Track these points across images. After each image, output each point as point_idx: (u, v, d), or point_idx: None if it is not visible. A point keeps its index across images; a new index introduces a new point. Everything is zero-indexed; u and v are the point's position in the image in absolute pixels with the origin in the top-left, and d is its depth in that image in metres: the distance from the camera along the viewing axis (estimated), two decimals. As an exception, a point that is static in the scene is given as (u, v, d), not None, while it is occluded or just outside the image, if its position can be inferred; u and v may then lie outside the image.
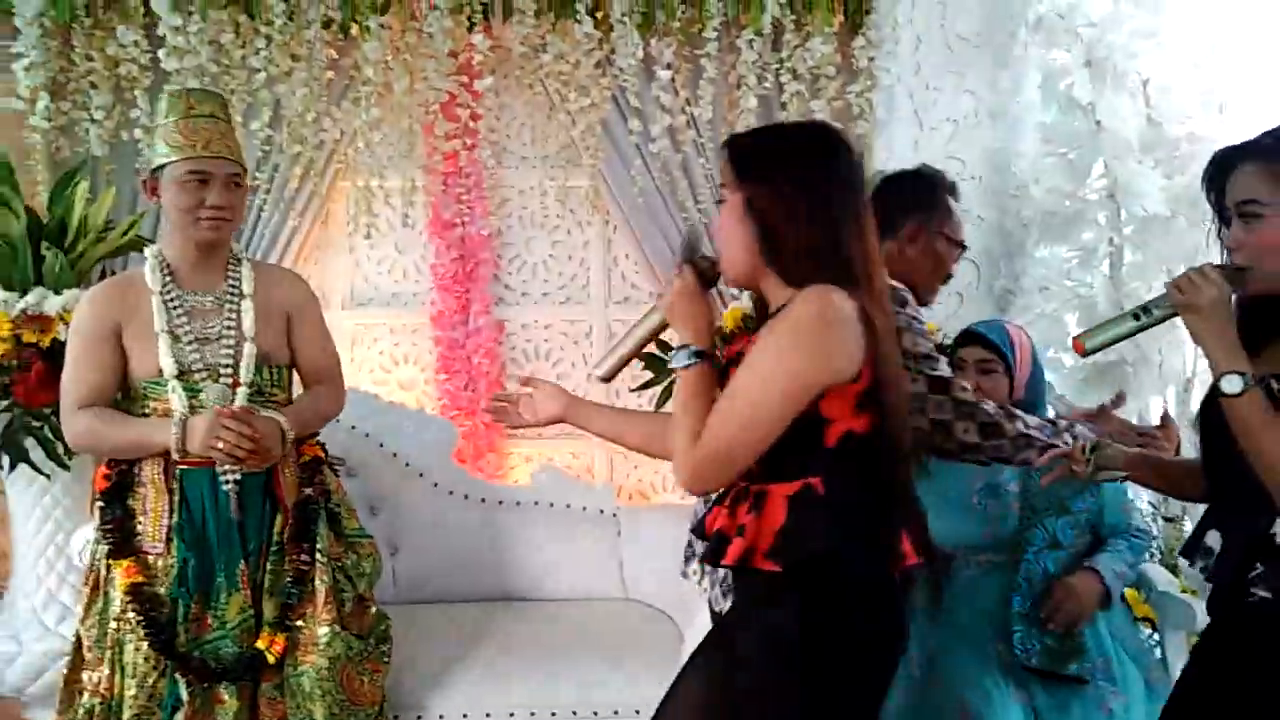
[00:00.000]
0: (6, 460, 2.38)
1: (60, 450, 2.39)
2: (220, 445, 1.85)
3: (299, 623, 1.99)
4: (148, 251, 2.02)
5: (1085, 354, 1.54)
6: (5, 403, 2.36)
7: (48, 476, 2.43)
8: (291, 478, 2.04)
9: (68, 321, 2.40)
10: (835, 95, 2.92)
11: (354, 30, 2.90)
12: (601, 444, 3.27)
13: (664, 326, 1.51)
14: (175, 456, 1.91)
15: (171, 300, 1.98)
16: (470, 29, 2.89)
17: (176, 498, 1.93)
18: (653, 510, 3.09)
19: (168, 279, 1.99)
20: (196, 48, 2.77)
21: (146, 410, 1.95)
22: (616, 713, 2.33)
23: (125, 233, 2.61)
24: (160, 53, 2.76)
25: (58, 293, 2.45)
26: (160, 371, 1.93)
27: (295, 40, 2.84)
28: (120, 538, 1.94)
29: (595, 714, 2.34)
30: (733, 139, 1.49)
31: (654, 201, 3.02)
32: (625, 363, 1.60)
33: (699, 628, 2.38)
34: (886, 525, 1.38)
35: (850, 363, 1.33)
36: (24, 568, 2.53)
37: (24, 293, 2.44)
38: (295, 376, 2.14)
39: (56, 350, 2.38)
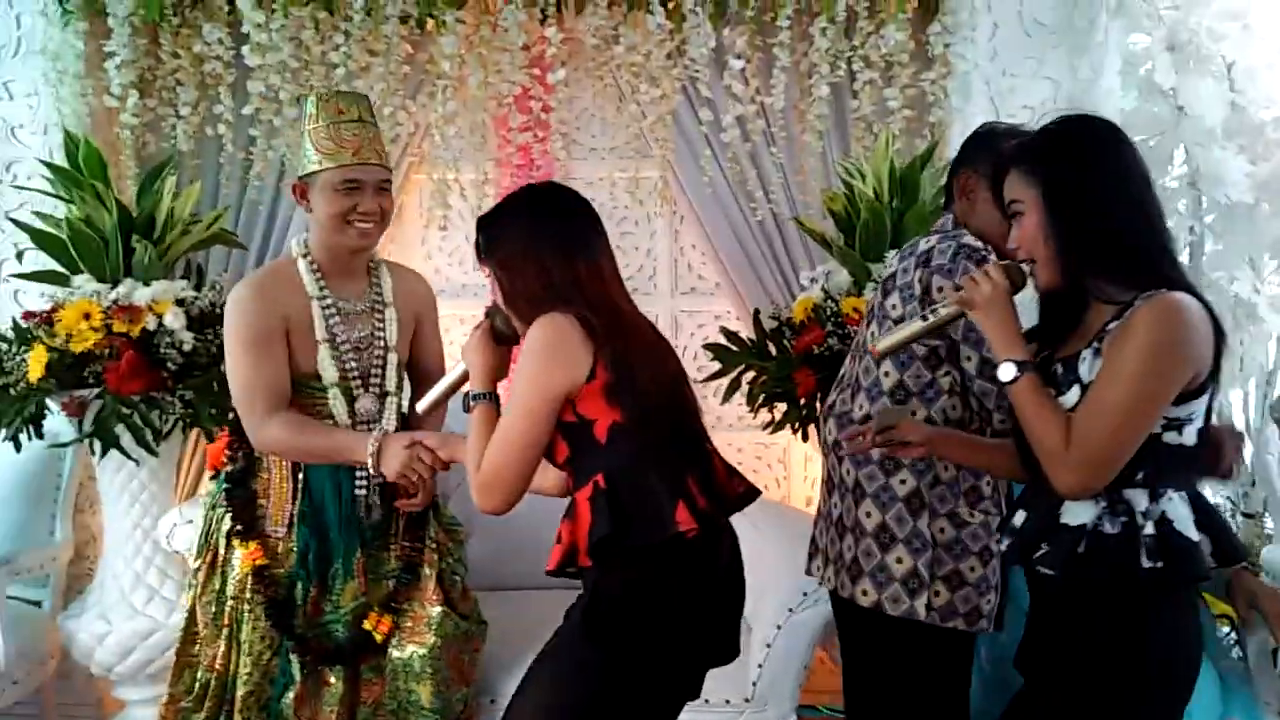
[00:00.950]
0: (98, 446, 2.47)
1: (149, 436, 2.47)
2: (413, 476, 1.92)
3: (405, 606, 2.03)
4: (297, 254, 2.03)
5: (880, 357, 1.76)
6: (97, 390, 2.45)
7: (137, 462, 2.52)
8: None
9: (157, 312, 2.50)
10: (909, 83, 2.87)
11: (430, 25, 2.94)
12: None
13: (465, 375, 1.75)
14: (370, 471, 1.95)
15: (327, 306, 2.00)
16: (543, 22, 2.91)
17: (300, 484, 1.99)
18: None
19: (321, 283, 2.01)
20: (279, 44, 2.83)
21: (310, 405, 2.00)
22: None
23: (210, 226, 2.69)
24: (244, 49, 2.82)
25: (146, 284, 2.53)
26: (317, 375, 1.98)
27: (373, 36, 2.89)
28: (247, 520, 2.00)
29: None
30: None
31: (723, 192, 3.01)
32: (438, 404, 1.86)
33: (765, 622, 2.39)
34: (655, 501, 1.52)
35: (577, 369, 1.53)
36: (113, 550, 2.63)
37: (115, 284, 2.53)
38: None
39: (145, 339, 2.48)
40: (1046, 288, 1.48)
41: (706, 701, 2.34)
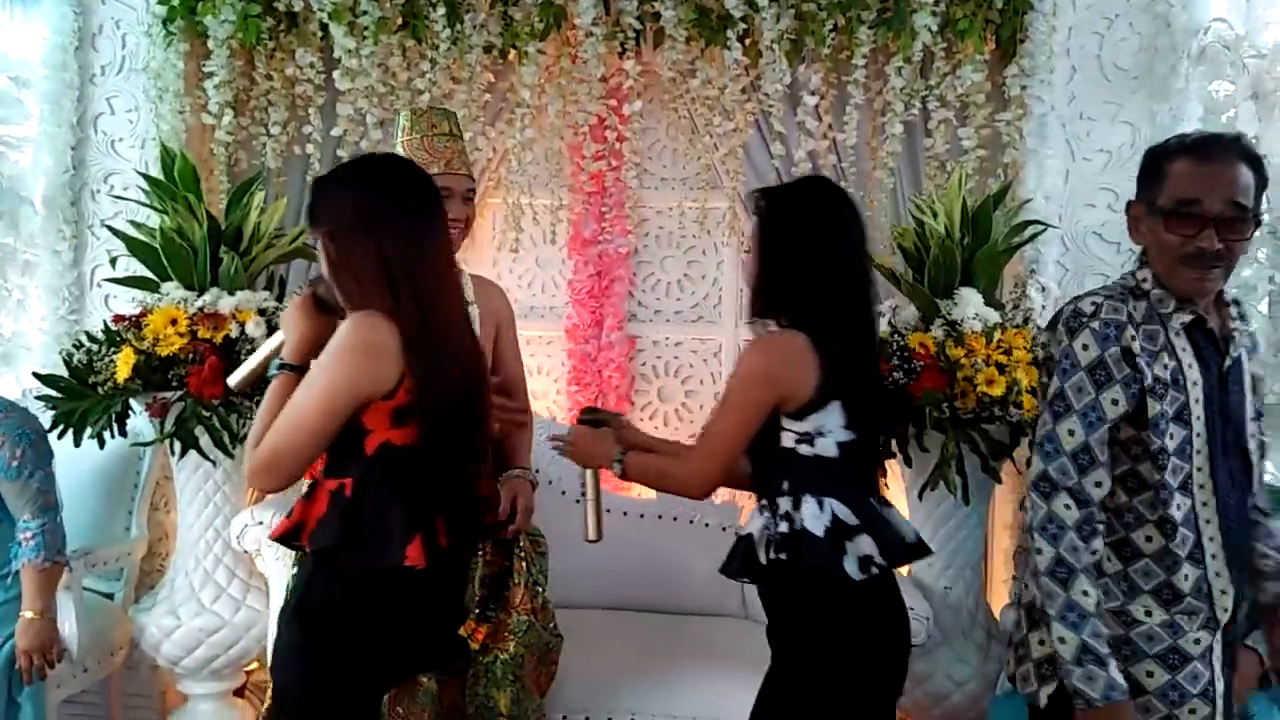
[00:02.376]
0: (178, 446, 2.57)
1: (226, 439, 2.56)
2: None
3: (493, 613, 2.06)
4: None
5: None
6: (179, 393, 2.55)
7: (213, 463, 2.61)
8: (494, 485, 2.10)
9: (240, 321, 2.59)
10: (984, 123, 2.88)
11: (512, 55, 3.03)
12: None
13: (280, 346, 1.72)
14: None
15: None
16: (622, 55, 2.97)
17: None
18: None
19: None
20: (367, 69, 2.94)
21: None
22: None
23: (293, 241, 2.79)
24: (335, 74, 2.94)
25: (231, 293, 2.63)
26: None
27: (457, 64, 2.98)
28: None
29: (716, 728, 2.34)
30: None
31: (792, 226, 3.03)
32: (255, 377, 1.81)
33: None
34: (391, 528, 1.53)
35: (384, 383, 1.51)
36: (185, 548, 2.71)
37: (201, 292, 2.64)
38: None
39: (227, 346, 2.57)
40: (752, 316, 1.76)
41: None
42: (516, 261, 3.30)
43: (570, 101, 3.03)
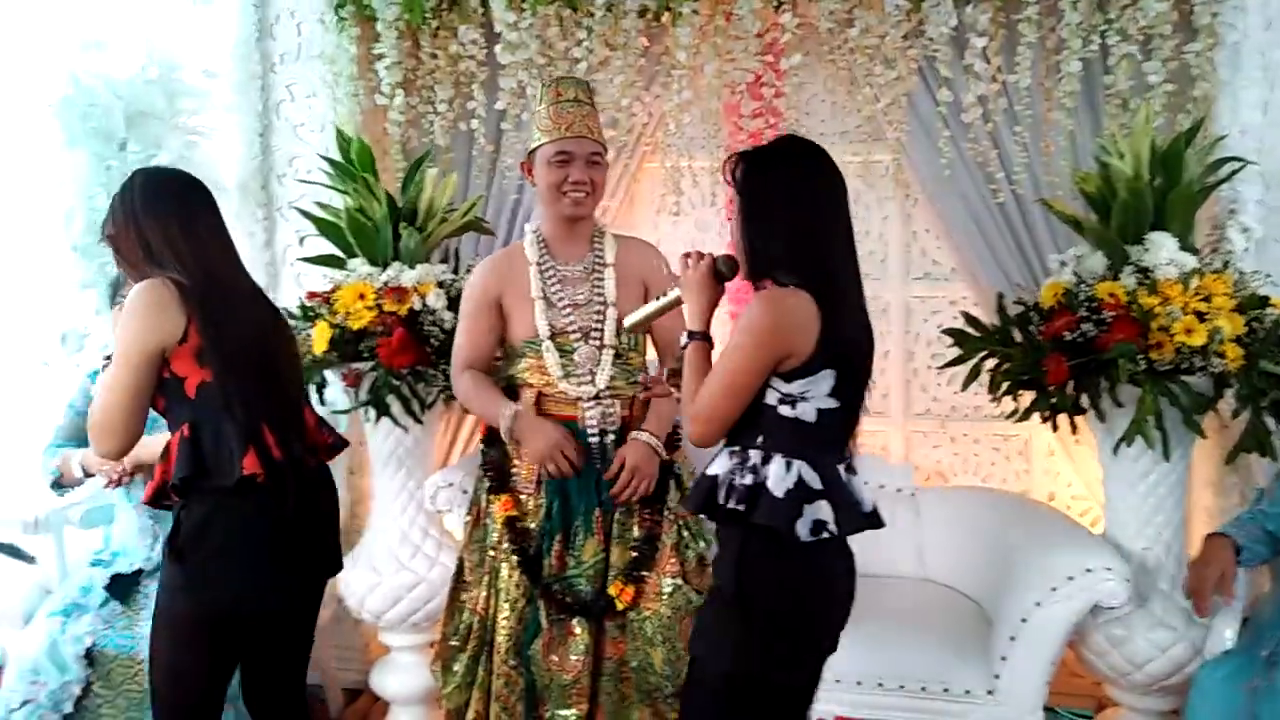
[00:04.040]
0: (372, 414, 2.72)
1: (415, 406, 2.70)
2: (551, 468, 2.08)
3: (645, 573, 2.14)
4: (528, 228, 2.29)
5: (628, 331, 1.99)
6: (371, 364, 2.69)
7: (404, 429, 2.75)
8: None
9: (421, 293, 2.71)
10: (1171, 55, 2.70)
11: (665, 18, 3.02)
12: (901, 423, 3.25)
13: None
14: (504, 438, 2.16)
15: (546, 270, 2.21)
16: (777, 9, 2.93)
17: None
18: (954, 491, 3.02)
19: (543, 251, 2.22)
20: (527, 42, 2.99)
21: (523, 366, 2.19)
22: (924, 688, 2.33)
23: (466, 213, 2.89)
24: (496, 49, 3.00)
25: (412, 267, 2.75)
26: (537, 333, 2.16)
27: (613, 30, 3.00)
28: (498, 477, 2.18)
29: (902, 687, 2.35)
30: None
31: (960, 174, 2.93)
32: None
33: (1008, 614, 2.33)
34: (225, 449, 1.79)
35: (172, 331, 1.79)
36: (381, 508, 2.88)
37: (384, 267, 2.77)
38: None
39: (411, 318, 2.69)
40: (745, 279, 1.73)
41: (946, 690, 2.34)
42: (676, 225, 3.31)
43: (726, 60, 3.00)
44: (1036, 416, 2.50)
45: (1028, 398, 2.52)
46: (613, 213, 3.26)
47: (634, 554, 2.14)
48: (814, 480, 1.60)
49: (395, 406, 2.68)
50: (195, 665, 1.86)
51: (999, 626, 2.34)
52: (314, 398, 2.70)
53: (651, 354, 2.36)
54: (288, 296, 3.08)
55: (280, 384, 1.94)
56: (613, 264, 2.23)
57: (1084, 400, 2.39)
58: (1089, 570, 2.26)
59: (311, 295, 2.79)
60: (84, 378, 2.67)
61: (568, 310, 2.19)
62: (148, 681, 1.93)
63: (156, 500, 1.86)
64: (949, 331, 2.63)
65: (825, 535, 1.59)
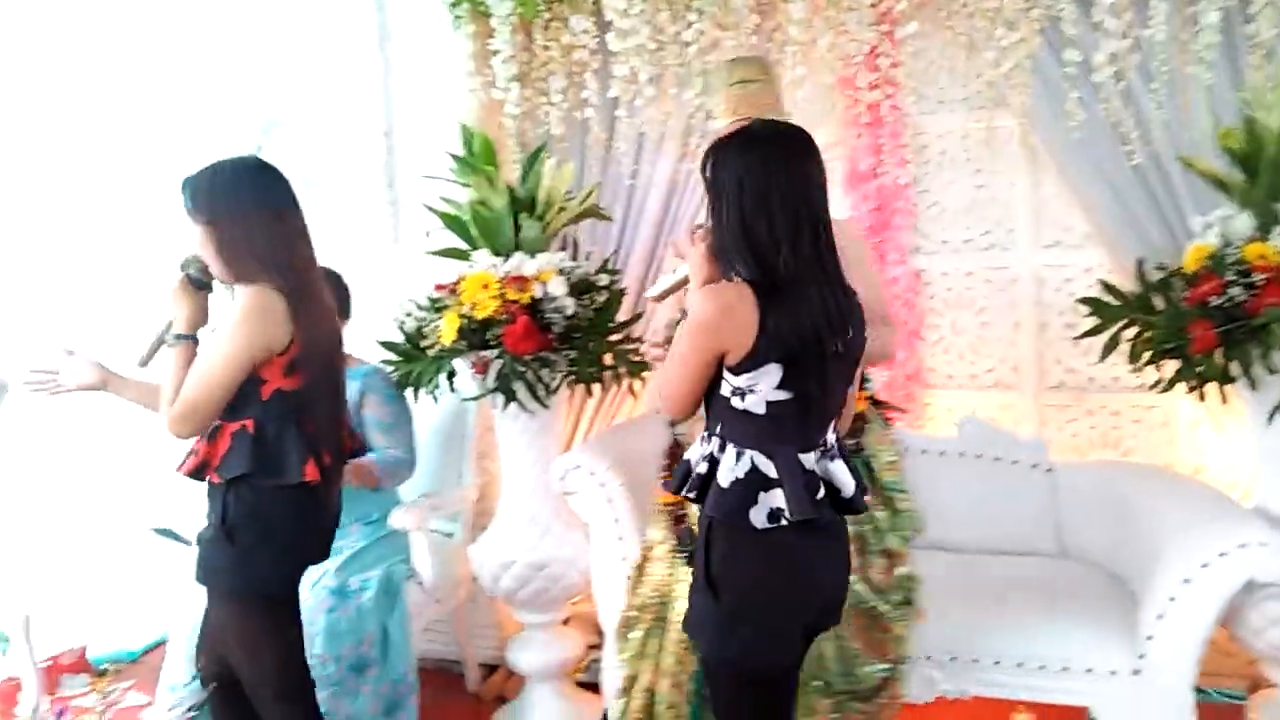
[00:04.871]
0: (500, 400, 2.80)
1: (541, 391, 2.76)
2: None
3: None
4: None
5: (651, 300, 1.94)
6: (497, 351, 2.77)
7: (530, 414, 2.83)
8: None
9: (542, 281, 2.76)
10: (1322, -2, 2.52)
11: (777, -6, 3.00)
12: (1033, 397, 3.15)
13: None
14: None
15: None
16: (892, -24, 2.87)
17: None
18: (1092, 466, 2.92)
19: None
20: (638, 27, 3.01)
21: None
22: (1065, 668, 2.27)
23: (583, 201, 2.94)
24: (608, 36, 3.04)
25: (533, 256, 2.81)
26: None
27: (723, 10, 2.99)
28: (668, 464, 2.23)
29: (1042, 667, 2.29)
30: None
31: (1091, 137, 2.81)
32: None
33: (1155, 592, 2.24)
34: (290, 454, 1.94)
35: (278, 342, 1.91)
36: (511, 491, 2.96)
37: (507, 257, 2.84)
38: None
39: (534, 306, 2.76)
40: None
41: (1088, 670, 2.27)
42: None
43: (840, 33, 2.95)
44: (1181, 387, 2.39)
45: (1171, 367, 2.41)
46: (727, 193, 3.25)
47: None
48: (769, 469, 1.61)
49: (521, 392, 2.76)
50: (274, 633, 2.01)
51: (1146, 604, 2.25)
52: (445, 386, 2.81)
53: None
54: (415, 289, 3.19)
55: (340, 395, 2.09)
56: None
57: (1233, 368, 2.27)
58: (1243, 545, 2.15)
59: (439, 287, 2.88)
60: None
61: None
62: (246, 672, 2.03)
63: (197, 475, 1.96)
64: (1086, 300, 2.54)
65: (783, 522, 1.59)
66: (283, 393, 1.95)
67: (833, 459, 1.67)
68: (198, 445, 1.97)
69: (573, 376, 2.79)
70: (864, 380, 2.19)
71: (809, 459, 1.62)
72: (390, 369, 2.88)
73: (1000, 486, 2.77)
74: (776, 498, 1.59)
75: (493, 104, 3.25)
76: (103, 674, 3.21)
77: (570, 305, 2.75)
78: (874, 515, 2.09)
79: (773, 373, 1.59)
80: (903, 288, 3.15)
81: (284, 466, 1.94)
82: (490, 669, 3.29)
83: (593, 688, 2.97)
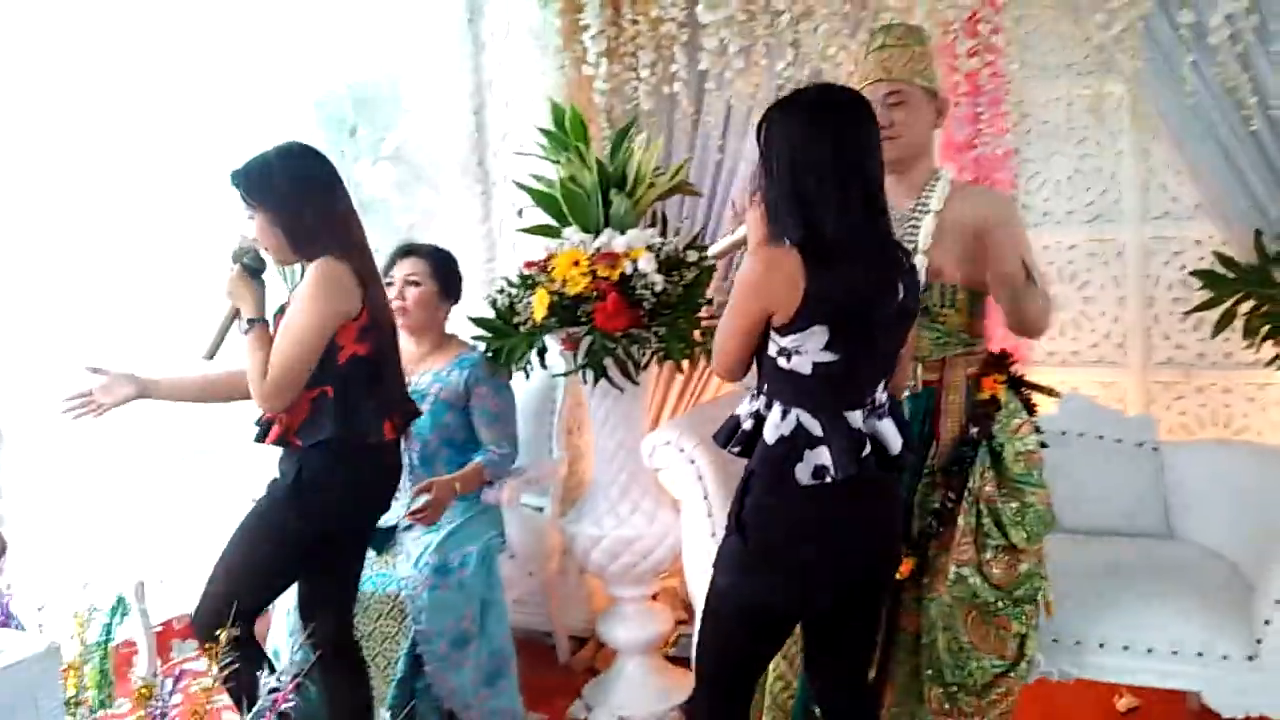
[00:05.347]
0: (590, 376, 2.81)
1: (630, 367, 2.77)
2: None
3: (935, 552, 2.02)
4: None
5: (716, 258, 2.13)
6: (586, 328, 2.78)
7: (620, 390, 2.83)
8: (955, 411, 2.04)
9: (632, 258, 2.75)
10: None
11: (872, -41, 2.92)
12: (1139, 373, 3.04)
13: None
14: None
15: None
16: (993, -62, 2.77)
17: None
18: (1204, 445, 2.80)
19: None
20: (728, -1, 2.97)
21: None
22: (1175, 652, 2.20)
23: (673, 177, 2.92)
24: (697, 8, 3.00)
25: (622, 233, 2.81)
26: None
27: (816, -23, 2.93)
28: None
29: (1150, 650, 2.22)
30: None
31: (1207, 103, 2.67)
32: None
33: (1274, 576, 2.15)
34: (370, 415, 2.07)
35: (350, 308, 2.02)
36: (601, 465, 2.98)
37: (596, 234, 2.84)
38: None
39: (624, 282, 2.75)
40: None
41: (1200, 655, 2.19)
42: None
43: (938, -1, 2.87)
44: (1304, 363, 2.28)
45: (1291, 343, 2.30)
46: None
47: (926, 524, 2.02)
48: (814, 427, 1.64)
49: (611, 368, 2.76)
50: (272, 573, 2.11)
51: (1263, 588, 2.15)
52: (535, 363, 2.83)
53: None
54: (506, 266, 3.23)
55: (399, 359, 2.21)
56: (936, 211, 2.05)
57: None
58: (1369, 530, 2.05)
59: (529, 264, 2.90)
60: None
61: None
62: (219, 584, 2.10)
63: (281, 441, 2.05)
64: (1198, 273, 2.44)
65: (827, 480, 1.62)
66: (357, 357, 2.05)
67: (881, 418, 1.70)
68: (278, 417, 2.06)
69: (662, 353, 2.79)
70: (1002, 362, 2.11)
71: (855, 417, 1.65)
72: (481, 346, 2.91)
73: (1105, 466, 2.69)
74: (822, 455, 1.63)
75: (581, 80, 3.24)
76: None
77: (659, 282, 2.73)
78: (997, 508, 2.00)
79: (819, 334, 1.61)
80: (1001, 261, 3.06)
81: (366, 427, 2.07)
82: (580, 641, 3.33)
83: (683, 662, 2.98)
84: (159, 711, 1.53)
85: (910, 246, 2.03)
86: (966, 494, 2.00)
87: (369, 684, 2.28)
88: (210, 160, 2.96)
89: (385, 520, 2.64)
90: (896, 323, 1.70)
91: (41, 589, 2.27)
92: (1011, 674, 2.02)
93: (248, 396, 2.14)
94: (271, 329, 2.11)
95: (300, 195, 2.05)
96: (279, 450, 2.12)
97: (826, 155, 1.62)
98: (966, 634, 2.00)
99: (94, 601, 1.86)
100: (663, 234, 2.92)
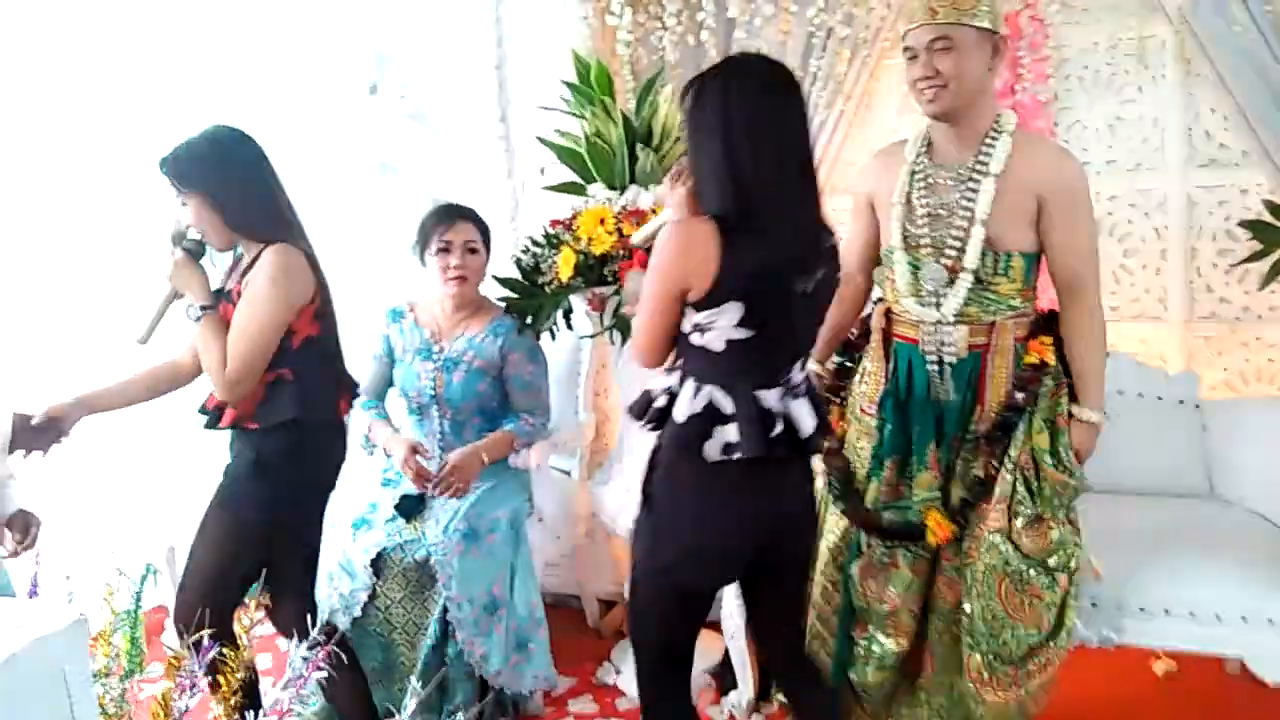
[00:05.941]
0: (618, 337, 2.77)
1: (658, 328, 2.71)
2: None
3: (973, 518, 1.99)
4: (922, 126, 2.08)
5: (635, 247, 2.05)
6: (614, 288, 2.73)
7: (648, 351, 2.78)
8: (1001, 376, 1.98)
9: (657, 214, 2.70)
10: None
11: (905, -101, 2.80)
12: (1181, 329, 2.95)
13: None
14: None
15: (918, 173, 2.01)
16: (1033, -128, 2.64)
17: (891, 366, 2.07)
18: (1249, 403, 2.73)
19: (922, 151, 2.03)
20: (757, -55, 2.87)
21: (882, 277, 2.10)
22: (1218, 615, 2.15)
23: (700, 130, 2.84)
24: (724, -46, 2.90)
25: (648, 189, 2.75)
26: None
27: (847, -81, 2.82)
28: (837, 393, 2.18)
29: (1192, 614, 2.17)
30: None
31: (1256, 44, 2.56)
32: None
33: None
34: (328, 395, 2.13)
35: (305, 295, 2.03)
36: (629, 429, 2.94)
37: (622, 191, 2.78)
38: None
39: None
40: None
41: (1243, 619, 2.14)
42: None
43: (976, -60, 2.74)
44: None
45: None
46: (849, 115, 3.11)
47: (967, 493, 1.99)
48: (726, 405, 1.63)
49: (639, 329, 2.71)
50: (242, 563, 2.08)
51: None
52: (561, 323, 2.78)
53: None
54: (530, 225, 3.17)
55: (339, 338, 2.21)
56: (996, 174, 1.90)
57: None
58: None
59: (554, 223, 2.85)
60: (382, 330, 2.85)
61: (924, 220, 1.96)
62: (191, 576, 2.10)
63: (235, 425, 2.05)
64: (1246, 224, 2.35)
65: (734, 457, 1.61)
66: (311, 339, 2.07)
67: (796, 397, 1.67)
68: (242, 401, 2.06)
69: (690, 312, 2.73)
70: (1051, 322, 2.02)
71: (769, 396, 1.64)
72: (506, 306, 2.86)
73: (1145, 424, 2.61)
74: (730, 433, 1.62)
75: (606, 31, 3.16)
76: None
77: (687, 239, 2.67)
78: (1028, 478, 1.96)
79: (732, 311, 1.59)
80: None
81: (325, 408, 2.12)
82: (608, 604, 3.32)
83: (713, 626, 2.97)
84: (189, 681, 1.52)
85: (967, 213, 1.93)
86: (1007, 460, 1.95)
87: (359, 667, 2.24)
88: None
89: (412, 489, 2.62)
90: (815, 300, 1.68)
91: (70, 558, 2.27)
92: (1050, 644, 1.98)
93: (183, 386, 2.21)
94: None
95: (231, 177, 2.05)
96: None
97: (760, 121, 1.58)
98: (1000, 603, 1.96)
99: (123, 568, 1.85)
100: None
